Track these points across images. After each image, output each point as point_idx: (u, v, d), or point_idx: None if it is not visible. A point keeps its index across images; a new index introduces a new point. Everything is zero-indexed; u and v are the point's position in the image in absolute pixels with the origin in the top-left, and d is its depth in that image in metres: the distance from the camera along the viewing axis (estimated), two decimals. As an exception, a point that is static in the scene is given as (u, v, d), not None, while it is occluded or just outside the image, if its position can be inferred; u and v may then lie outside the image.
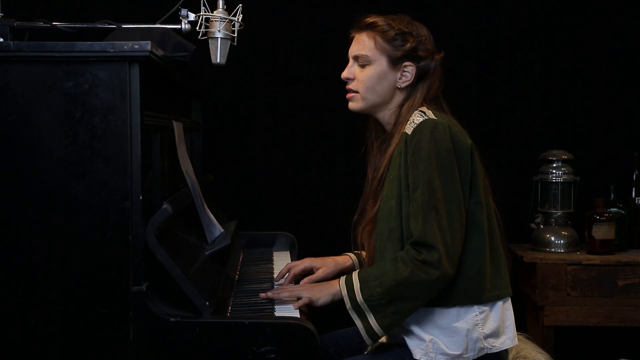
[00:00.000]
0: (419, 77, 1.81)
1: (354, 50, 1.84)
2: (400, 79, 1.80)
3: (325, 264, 2.00)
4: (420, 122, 1.70)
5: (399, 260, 1.65)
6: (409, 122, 1.73)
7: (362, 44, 1.82)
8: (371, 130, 1.93)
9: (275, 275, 2.09)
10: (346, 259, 2.06)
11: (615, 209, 2.92)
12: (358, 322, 1.67)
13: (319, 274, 1.96)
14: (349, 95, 1.86)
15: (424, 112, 1.74)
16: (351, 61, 1.86)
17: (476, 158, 1.74)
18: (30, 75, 1.54)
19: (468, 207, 1.71)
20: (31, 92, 1.54)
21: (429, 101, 1.81)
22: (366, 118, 1.94)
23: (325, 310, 1.82)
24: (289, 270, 2.00)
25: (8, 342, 1.55)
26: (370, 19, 1.82)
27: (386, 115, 1.84)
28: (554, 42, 3.15)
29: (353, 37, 1.86)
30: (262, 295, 1.80)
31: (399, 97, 1.82)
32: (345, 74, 1.85)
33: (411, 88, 1.81)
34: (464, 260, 1.69)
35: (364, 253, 2.04)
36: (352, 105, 1.86)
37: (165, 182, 1.94)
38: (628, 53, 3.13)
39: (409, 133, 1.71)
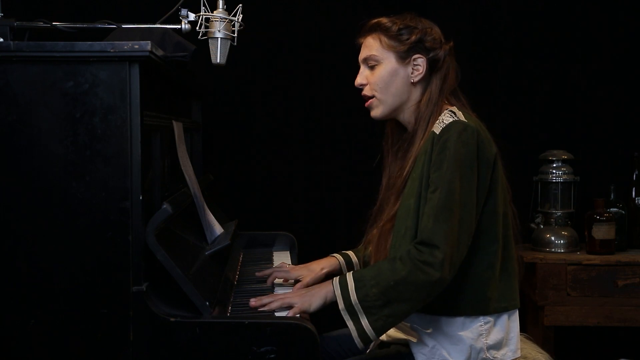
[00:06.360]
0: (431, 69, 1.78)
1: (362, 54, 1.83)
2: (412, 73, 1.78)
3: (310, 271, 1.98)
4: (449, 123, 1.67)
5: (397, 261, 1.61)
6: (438, 122, 1.70)
7: (368, 46, 1.81)
8: (387, 138, 1.90)
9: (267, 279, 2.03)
10: (332, 260, 2.03)
11: (615, 209, 2.92)
12: (350, 324, 1.62)
13: (307, 281, 1.91)
14: (367, 104, 1.83)
15: (454, 113, 1.71)
16: (362, 66, 1.84)
17: (499, 167, 1.71)
18: (30, 75, 1.53)
19: (482, 217, 1.68)
20: (31, 92, 1.54)
21: (448, 94, 1.78)
22: (378, 124, 1.92)
23: (326, 311, 1.82)
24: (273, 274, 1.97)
25: (8, 342, 1.55)
26: (373, 21, 1.81)
27: (406, 115, 1.81)
28: (554, 41, 3.15)
29: (361, 43, 1.84)
30: (252, 303, 1.69)
31: (416, 93, 1.79)
32: (358, 80, 1.83)
33: (426, 81, 1.79)
34: (473, 270, 1.67)
35: (351, 253, 2.03)
36: (373, 113, 1.83)
37: (165, 182, 1.94)
38: (628, 53, 3.13)
39: (437, 133, 1.68)
